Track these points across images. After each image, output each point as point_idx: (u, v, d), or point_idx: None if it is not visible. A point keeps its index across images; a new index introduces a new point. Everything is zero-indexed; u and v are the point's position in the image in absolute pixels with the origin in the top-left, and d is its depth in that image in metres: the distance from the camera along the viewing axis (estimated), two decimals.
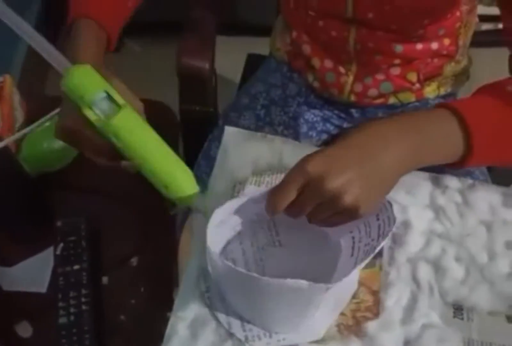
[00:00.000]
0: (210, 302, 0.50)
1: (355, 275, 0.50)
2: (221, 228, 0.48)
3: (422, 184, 0.58)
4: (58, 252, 0.60)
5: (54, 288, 0.58)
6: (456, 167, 0.49)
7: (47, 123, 0.68)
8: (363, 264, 0.42)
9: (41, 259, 0.60)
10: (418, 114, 0.50)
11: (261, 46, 0.87)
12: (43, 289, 0.58)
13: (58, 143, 0.67)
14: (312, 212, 0.44)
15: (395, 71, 0.69)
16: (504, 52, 0.62)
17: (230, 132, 0.61)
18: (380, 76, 0.70)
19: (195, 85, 0.77)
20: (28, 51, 1.13)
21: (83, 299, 0.57)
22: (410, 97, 0.72)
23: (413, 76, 0.69)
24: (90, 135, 0.48)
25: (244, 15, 0.97)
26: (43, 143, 0.64)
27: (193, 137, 0.79)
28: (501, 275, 0.51)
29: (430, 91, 0.72)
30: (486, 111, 0.49)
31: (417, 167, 0.48)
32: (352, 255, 0.47)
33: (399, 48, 0.66)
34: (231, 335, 0.48)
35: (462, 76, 0.75)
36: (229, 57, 0.92)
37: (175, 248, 0.63)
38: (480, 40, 0.85)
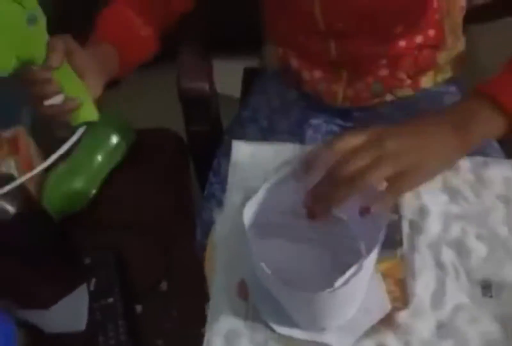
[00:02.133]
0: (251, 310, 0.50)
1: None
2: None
3: None
4: (92, 288, 0.63)
5: (92, 323, 0.60)
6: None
7: (64, 167, 0.72)
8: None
9: (76, 297, 0.63)
10: (460, 111, 0.53)
11: (256, 59, 0.89)
12: (82, 327, 0.61)
13: (77, 184, 0.72)
14: (370, 165, 0.45)
15: (384, 72, 0.69)
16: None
17: (237, 145, 0.63)
18: (369, 79, 0.70)
19: (198, 106, 0.79)
20: None
21: (120, 330, 0.60)
22: (406, 92, 0.72)
23: (402, 74, 0.70)
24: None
25: (235, 32, 0.99)
26: (63, 186, 0.69)
27: (203, 157, 0.81)
28: None
29: (427, 81, 0.72)
30: None
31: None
32: None
33: (382, 49, 0.66)
34: (266, 343, 0.49)
35: (460, 61, 0.75)
36: (227, 75, 0.94)
37: (201, 268, 0.65)
38: (479, 16, 0.85)
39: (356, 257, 0.47)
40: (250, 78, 0.89)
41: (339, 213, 0.52)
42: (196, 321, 0.57)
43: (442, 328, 0.47)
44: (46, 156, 0.74)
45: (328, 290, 0.41)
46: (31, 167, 0.69)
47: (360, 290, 0.47)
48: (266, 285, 0.48)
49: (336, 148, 0.47)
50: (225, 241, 0.55)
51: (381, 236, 0.43)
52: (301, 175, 0.49)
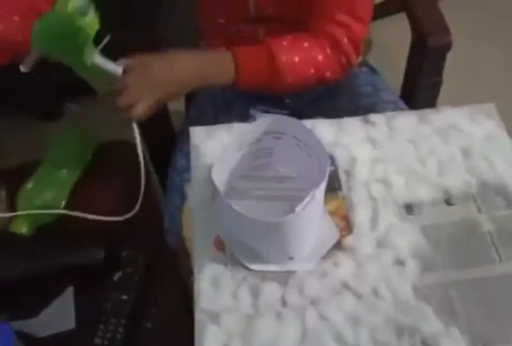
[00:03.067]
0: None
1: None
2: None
3: (356, 125, 0.71)
4: (115, 279, 0.70)
5: (101, 309, 0.67)
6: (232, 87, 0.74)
7: (32, 183, 0.80)
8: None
9: (62, 301, 0.71)
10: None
11: None
12: (72, 325, 0.69)
13: (48, 197, 0.79)
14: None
15: None
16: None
17: (194, 130, 0.74)
18: None
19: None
20: None
21: (120, 329, 0.66)
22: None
23: None
24: None
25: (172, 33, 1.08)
26: (35, 200, 0.77)
27: (161, 164, 0.90)
28: (433, 174, 0.64)
29: None
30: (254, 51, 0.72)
31: (200, 84, 0.74)
32: None
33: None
34: (245, 278, 0.60)
35: (367, 46, 0.89)
36: None
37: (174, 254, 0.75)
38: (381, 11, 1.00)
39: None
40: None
41: (289, 171, 0.65)
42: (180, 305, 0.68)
43: (380, 244, 0.60)
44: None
45: (291, 214, 0.53)
46: None
47: (315, 218, 0.59)
48: (239, 228, 0.59)
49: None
50: (198, 207, 0.66)
51: (326, 173, 0.55)
52: None
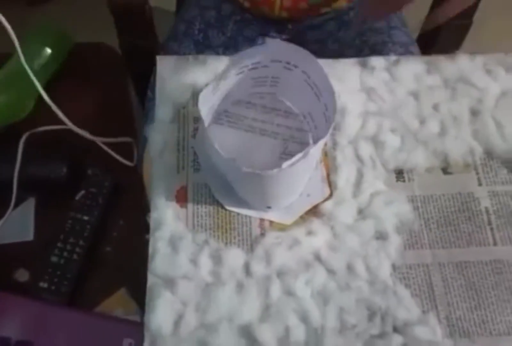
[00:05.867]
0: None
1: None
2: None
3: (351, 69, 0.60)
4: (77, 198, 0.67)
5: (60, 228, 0.64)
6: None
7: None
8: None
9: (22, 211, 0.66)
10: None
11: None
12: (29, 237, 0.65)
13: (13, 95, 0.70)
14: None
15: None
16: None
17: (162, 60, 0.63)
18: None
19: (131, 18, 0.77)
20: None
21: (77, 249, 0.63)
22: (341, 3, 0.72)
23: None
24: None
25: None
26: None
27: (140, 73, 0.80)
28: (432, 135, 0.55)
29: None
30: None
31: None
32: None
33: None
34: (206, 241, 0.54)
35: None
36: None
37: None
38: None
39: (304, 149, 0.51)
40: None
41: (292, 106, 0.57)
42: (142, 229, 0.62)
43: (361, 213, 0.53)
44: None
45: (276, 169, 0.45)
46: None
47: (304, 175, 0.52)
48: (220, 168, 0.52)
49: None
50: (160, 154, 0.57)
51: (330, 130, 0.47)
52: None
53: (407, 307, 0.48)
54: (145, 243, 0.56)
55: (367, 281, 0.50)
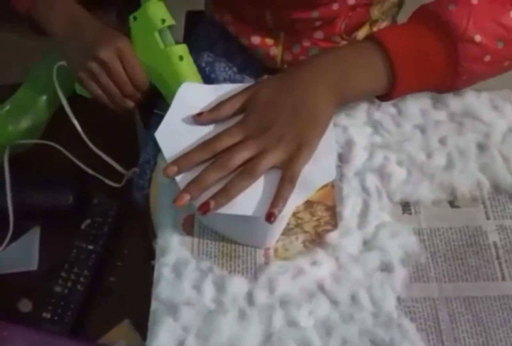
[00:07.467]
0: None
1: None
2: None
3: (358, 104, 0.62)
4: (83, 227, 0.67)
5: (64, 257, 0.64)
6: (385, 99, 0.55)
7: (8, 107, 0.72)
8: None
9: (26, 240, 0.66)
10: (345, 47, 0.54)
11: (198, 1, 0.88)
12: (34, 267, 0.65)
13: (23, 124, 0.72)
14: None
15: (319, 35, 0.72)
16: None
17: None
18: (306, 43, 0.73)
19: None
20: None
21: (81, 279, 0.63)
22: None
23: (336, 38, 0.72)
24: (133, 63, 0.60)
25: None
26: (8, 126, 0.69)
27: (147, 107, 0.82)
28: (439, 168, 0.56)
29: (363, 33, 0.74)
30: (405, 36, 0.52)
31: (344, 102, 0.54)
32: None
33: (315, 14, 0.68)
34: (211, 269, 0.54)
35: (394, 8, 0.77)
36: None
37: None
38: None
39: None
40: (192, 21, 0.89)
41: None
42: (146, 258, 0.62)
43: (367, 244, 0.53)
44: None
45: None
46: None
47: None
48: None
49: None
50: (168, 181, 0.58)
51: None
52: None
53: (412, 341, 0.47)
54: (151, 269, 0.56)
55: (371, 313, 0.49)
